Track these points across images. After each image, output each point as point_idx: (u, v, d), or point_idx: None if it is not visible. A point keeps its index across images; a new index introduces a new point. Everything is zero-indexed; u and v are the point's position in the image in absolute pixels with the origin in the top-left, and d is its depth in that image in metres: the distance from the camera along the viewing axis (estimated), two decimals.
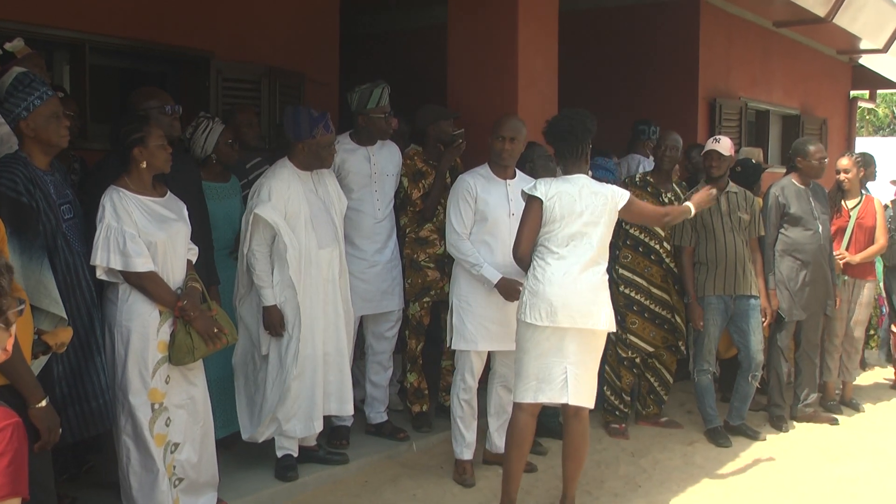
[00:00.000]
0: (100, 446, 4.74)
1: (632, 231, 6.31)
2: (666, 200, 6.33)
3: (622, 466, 5.81)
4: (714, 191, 5.36)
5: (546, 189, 4.68)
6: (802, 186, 6.70)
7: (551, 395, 4.66)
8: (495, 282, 5.15)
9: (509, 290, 5.13)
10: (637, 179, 6.42)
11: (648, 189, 6.34)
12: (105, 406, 3.97)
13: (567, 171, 4.80)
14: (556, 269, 4.61)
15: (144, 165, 4.16)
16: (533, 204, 4.69)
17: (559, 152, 4.85)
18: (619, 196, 4.80)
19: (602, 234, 4.72)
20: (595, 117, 4.86)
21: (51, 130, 3.79)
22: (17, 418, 2.02)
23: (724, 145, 6.23)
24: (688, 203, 5.22)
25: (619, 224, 6.27)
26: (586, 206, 4.67)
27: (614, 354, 6.43)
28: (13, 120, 3.76)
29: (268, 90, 7.60)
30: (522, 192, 4.82)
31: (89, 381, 3.92)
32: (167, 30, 6.80)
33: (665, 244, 6.31)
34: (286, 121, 5.15)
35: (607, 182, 6.39)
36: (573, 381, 4.62)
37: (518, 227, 4.77)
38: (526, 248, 4.70)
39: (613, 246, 6.38)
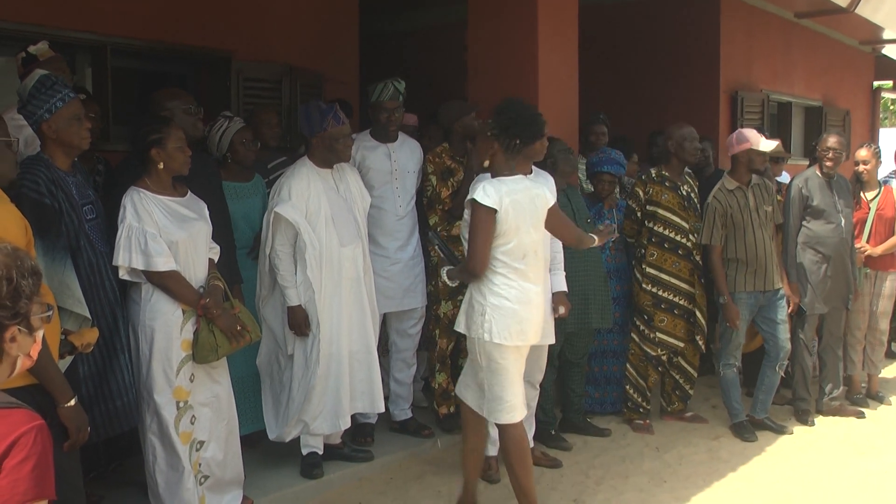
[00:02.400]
0: (129, 446, 4.76)
1: (656, 228, 6.26)
2: (683, 193, 6.30)
3: (647, 461, 5.79)
4: (614, 227, 5.14)
5: (498, 198, 4.33)
6: (825, 179, 6.65)
7: (523, 411, 4.59)
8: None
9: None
10: (654, 175, 6.38)
11: (666, 183, 6.30)
12: (130, 405, 4.00)
13: (510, 170, 4.50)
14: (519, 285, 4.42)
15: (162, 166, 4.18)
16: (487, 215, 4.33)
17: (514, 147, 4.47)
18: (551, 198, 4.60)
19: (546, 240, 4.58)
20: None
21: (72, 132, 3.81)
22: (41, 421, 2.02)
23: (770, 144, 6.25)
24: (593, 235, 4.92)
25: (643, 222, 6.28)
26: (533, 213, 4.46)
27: (638, 354, 6.42)
28: (35, 122, 3.79)
29: (288, 90, 7.62)
30: (468, 200, 4.46)
31: (114, 380, 3.94)
32: (187, 31, 6.84)
33: (691, 237, 6.27)
34: (300, 119, 5.18)
35: (617, 177, 6.40)
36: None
37: (471, 240, 4.42)
38: (485, 263, 4.38)
39: (637, 245, 6.38)
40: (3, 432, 1.96)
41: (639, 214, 6.36)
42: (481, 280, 4.43)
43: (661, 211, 6.27)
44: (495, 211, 4.33)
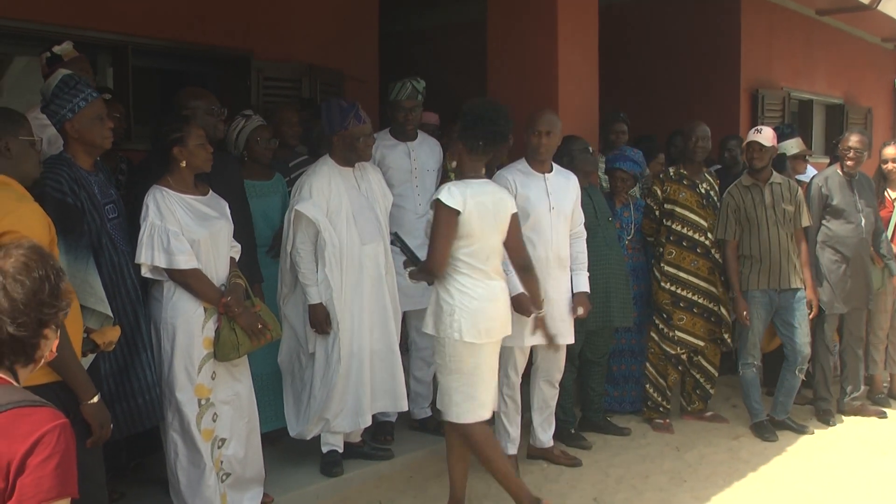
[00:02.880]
0: (150, 443, 4.79)
1: (674, 226, 6.28)
2: (702, 191, 6.29)
3: (667, 461, 5.77)
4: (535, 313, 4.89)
5: (462, 200, 4.34)
6: (847, 178, 6.61)
7: (491, 409, 4.56)
8: (514, 294, 5.13)
9: (523, 307, 5.05)
10: (672, 173, 6.39)
11: (684, 182, 6.31)
12: (152, 403, 4.02)
13: (476, 172, 4.51)
14: (484, 285, 4.42)
15: (184, 164, 4.20)
16: (450, 216, 4.34)
17: (477, 148, 4.44)
18: (513, 205, 4.60)
19: (501, 242, 4.53)
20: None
21: (95, 132, 3.84)
22: (64, 419, 2.05)
23: (766, 136, 6.17)
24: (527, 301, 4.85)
25: (661, 221, 6.28)
26: (496, 216, 4.44)
27: (658, 353, 6.41)
28: (58, 121, 3.81)
29: (308, 88, 7.64)
30: (433, 200, 4.47)
31: (136, 378, 3.97)
32: (207, 31, 6.87)
33: (710, 235, 6.27)
34: (322, 117, 5.20)
35: (634, 175, 6.37)
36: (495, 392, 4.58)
37: (432, 239, 4.45)
38: (443, 263, 4.40)
39: (656, 243, 6.38)
40: (27, 430, 1.99)
41: (657, 213, 6.36)
42: (447, 280, 4.43)
43: (678, 209, 6.27)
44: (458, 212, 4.33)
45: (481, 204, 4.38)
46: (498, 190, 4.55)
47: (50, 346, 2.20)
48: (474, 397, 4.47)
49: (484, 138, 4.44)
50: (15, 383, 2.14)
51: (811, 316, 6.31)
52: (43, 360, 2.24)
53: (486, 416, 4.52)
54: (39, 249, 2.20)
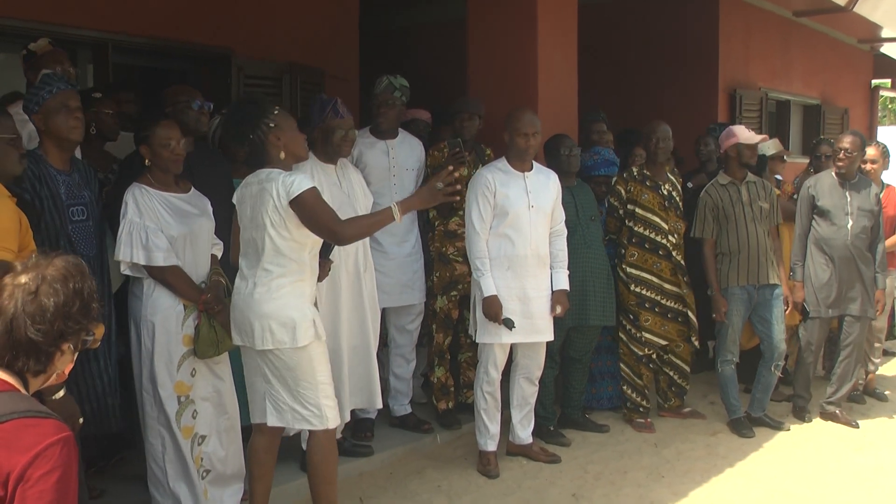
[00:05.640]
0: (131, 440, 4.79)
1: (636, 228, 6.23)
2: (664, 192, 6.26)
3: (645, 457, 5.81)
4: (439, 184, 4.10)
5: (237, 194, 4.15)
6: (839, 180, 6.61)
7: (258, 415, 4.16)
8: (486, 295, 5.18)
9: (491, 310, 5.14)
10: (635, 173, 6.35)
11: (647, 183, 6.25)
12: (102, 410, 4.02)
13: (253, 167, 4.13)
14: (238, 283, 4.10)
15: (147, 163, 4.21)
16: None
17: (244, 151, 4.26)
18: (289, 190, 3.86)
19: (271, 238, 3.91)
20: (262, 101, 4.16)
21: (59, 122, 3.83)
22: (68, 432, 2.05)
23: (755, 137, 6.24)
24: (392, 206, 4.09)
25: (623, 222, 6.27)
26: (253, 207, 3.99)
27: (629, 353, 6.41)
28: (30, 116, 3.83)
29: (289, 86, 7.65)
30: None
31: (84, 384, 3.98)
32: (188, 28, 6.87)
33: (671, 237, 6.22)
34: (310, 111, 5.23)
35: (609, 176, 6.37)
36: (268, 400, 4.09)
37: None
38: (234, 256, 4.22)
39: (619, 245, 6.36)
40: (30, 442, 1.99)
41: (621, 212, 6.33)
42: None
43: (639, 210, 6.23)
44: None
45: (242, 195, 4.07)
46: (267, 179, 3.95)
47: (65, 363, 2.22)
48: (249, 396, 4.26)
49: (254, 134, 4.03)
50: (23, 391, 2.14)
51: (787, 312, 6.35)
52: (54, 377, 2.25)
53: (253, 419, 4.22)
54: (83, 267, 2.24)
